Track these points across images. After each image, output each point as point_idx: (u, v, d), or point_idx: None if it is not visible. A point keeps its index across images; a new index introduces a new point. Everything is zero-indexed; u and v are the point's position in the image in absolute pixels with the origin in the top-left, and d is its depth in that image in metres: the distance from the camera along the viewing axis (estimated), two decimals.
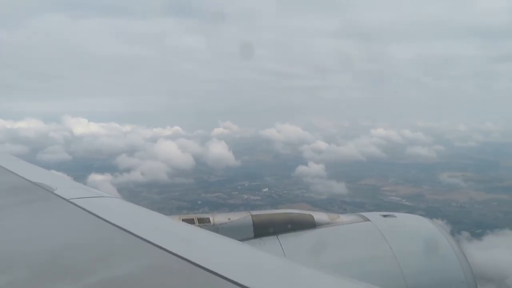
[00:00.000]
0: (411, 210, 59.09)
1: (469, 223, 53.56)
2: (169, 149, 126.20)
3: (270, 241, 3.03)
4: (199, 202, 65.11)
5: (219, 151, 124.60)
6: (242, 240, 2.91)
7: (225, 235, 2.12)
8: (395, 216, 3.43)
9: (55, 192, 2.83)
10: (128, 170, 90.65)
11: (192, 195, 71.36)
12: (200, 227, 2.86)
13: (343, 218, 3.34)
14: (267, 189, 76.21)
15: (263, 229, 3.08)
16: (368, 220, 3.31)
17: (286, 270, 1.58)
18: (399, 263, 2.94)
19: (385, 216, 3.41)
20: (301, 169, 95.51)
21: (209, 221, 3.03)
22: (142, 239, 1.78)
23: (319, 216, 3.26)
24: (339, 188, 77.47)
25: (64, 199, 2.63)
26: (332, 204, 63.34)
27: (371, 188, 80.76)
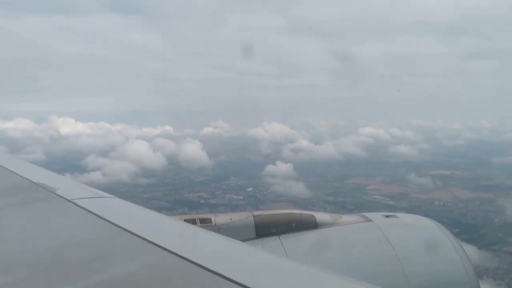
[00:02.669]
0: (393, 209, 58.87)
1: (448, 223, 53.01)
2: (141, 149, 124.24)
3: (271, 242, 3.03)
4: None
5: (195, 151, 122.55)
6: (243, 240, 2.89)
7: (227, 236, 2.10)
8: (397, 216, 3.43)
9: (57, 192, 2.84)
10: (93, 170, 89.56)
11: (175, 195, 71.06)
12: (202, 227, 2.85)
13: (345, 218, 3.34)
14: (251, 188, 76.00)
15: (264, 230, 3.08)
16: (370, 220, 3.31)
17: (288, 271, 1.57)
18: (402, 263, 2.94)
19: (387, 216, 3.41)
20: (270, 168, 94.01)
21: (211, 222, 3.04)
22: (144, 239, 1.79)
23: (321, 216, 3.26)
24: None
25: (66, 199, 2.64)
26: (314, 204, 62.99)
27: (356, 187, 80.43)
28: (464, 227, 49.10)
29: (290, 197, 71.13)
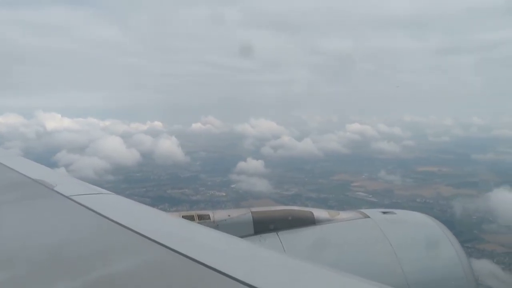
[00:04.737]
0: (373, 205, 58.84)
1: None
2: (115, 145, 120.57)
3: (270, 238, 3.04)
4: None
5: (170, 147, 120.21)
6: (242, 236, 2.88)
7: (225, 232, 2.08)
8: (394, 213, 3.46)
9: (55, 188, 2.84)
10: (62, 166, 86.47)
11: (158, 191, 70.68)
12: (200, 223, 2.85)
13: (343, 215, 3.37)
14: (235, 185, 75.88)
15: (263, 226, 3.09)
16: (368, 216, 3.33)
17: (286, 267, 1.58)
18: (399, 259, 2.96)
19: (384, 212, 3.43)
20: (241, 165, 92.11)
21: (209, 218, 3.05)
22: (142, 235, 1.79)
23: (319, 213, 3.28)
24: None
25: (64, 195, 2.63)
26: (295, 200, 62.91)
27: (342, 183, 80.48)
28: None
29: (271, 193, 71.04)
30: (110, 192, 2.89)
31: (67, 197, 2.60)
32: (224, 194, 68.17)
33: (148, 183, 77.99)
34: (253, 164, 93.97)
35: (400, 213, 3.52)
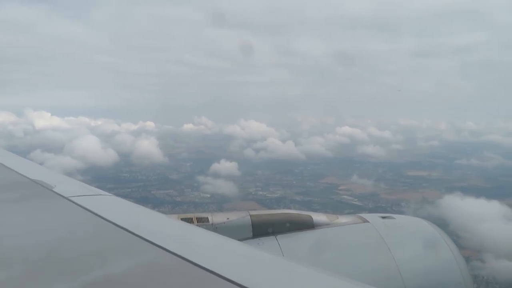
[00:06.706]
0: (358, 209, 58.88)
1: None
2: (91, 145, 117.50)
3: (268, 241, 3.04)
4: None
5: (149, 147, 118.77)
6: (240, 239, 2.88)
7: (224, 235, 2.09)
8: (393, 218, 3.45)
9: (54, 189, 2.84)
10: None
11: (143, 192, 70.51)
12: (199, 226, 2.86)
13: (342, 219, 3.36)
14: (219, 187, 75.49)
15: (261, 229, 3.09)
16: (367, 221, 3.33)
17: (284, 270, 1.59)
18: (398, 264, 2.95)
19: (383, 217, 3.42)
20: (215, 167, 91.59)
21: (208, 221, 3.05)
22: (141, 237, 1.80)
23: (318, 216, 3.28)
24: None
25: (63, 196, 2.64)
26: (279, 203, 62.87)
27: (328, 187, 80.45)
28: None
29: (259, 195, 70.95)
30: (109, 194, 2.89)
31: (66, 198, 2.60)
32: (209, 195, 68.15)
33: (135, 183, 77.83)
34: (241, 165, 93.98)
35: (399, 218, 3.49)
